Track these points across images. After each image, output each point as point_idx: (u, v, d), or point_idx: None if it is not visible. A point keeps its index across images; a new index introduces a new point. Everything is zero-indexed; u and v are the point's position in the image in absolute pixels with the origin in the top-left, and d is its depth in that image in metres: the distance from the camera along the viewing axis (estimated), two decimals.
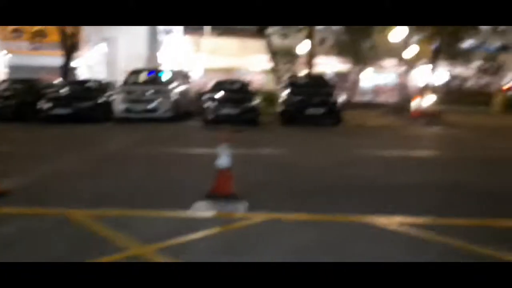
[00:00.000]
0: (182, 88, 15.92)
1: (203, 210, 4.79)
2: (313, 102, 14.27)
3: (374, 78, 45.20)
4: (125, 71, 17.15)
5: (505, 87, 27.36)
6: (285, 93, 15.03)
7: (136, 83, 15.97)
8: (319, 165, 7.77)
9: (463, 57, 29.35)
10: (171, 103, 14.71)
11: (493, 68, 30.86)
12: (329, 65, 35.84)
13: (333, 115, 14.46)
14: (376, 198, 5.43)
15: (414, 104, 15.95)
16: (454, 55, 28.03)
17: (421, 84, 25.11)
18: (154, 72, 17.46)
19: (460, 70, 33.32)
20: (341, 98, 15.10)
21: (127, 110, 14.59)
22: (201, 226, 4.22)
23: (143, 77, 16.65)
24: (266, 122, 14.86)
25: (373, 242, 3.95)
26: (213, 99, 14.38)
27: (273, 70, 23.34)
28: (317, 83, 16.39)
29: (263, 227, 4.27)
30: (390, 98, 29.77)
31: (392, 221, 4.40)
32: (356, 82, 42.61)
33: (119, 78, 17.61)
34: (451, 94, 25.68)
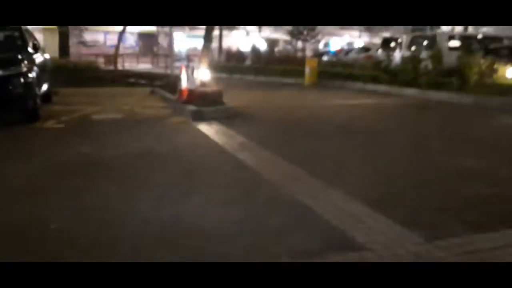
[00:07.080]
0: None
1: None
2: None
3: (189, 42, 40.92)
4: None
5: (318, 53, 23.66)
6: None
7: None
8: None
9: None
10: None
11: (307, 30, 26.76)
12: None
13: (19, 105, 7.78)
14: None
15: (184, 79, 10.05)
16: None
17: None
18: None
19: (271, 33, 29.13)
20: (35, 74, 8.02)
21: None
22: None
23: None
24: None
25: None
26: None
27: None
28: None
29: None
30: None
31: None
32: (169, 45, 36.72)
33: None
34: (258, 62, 20.92)
